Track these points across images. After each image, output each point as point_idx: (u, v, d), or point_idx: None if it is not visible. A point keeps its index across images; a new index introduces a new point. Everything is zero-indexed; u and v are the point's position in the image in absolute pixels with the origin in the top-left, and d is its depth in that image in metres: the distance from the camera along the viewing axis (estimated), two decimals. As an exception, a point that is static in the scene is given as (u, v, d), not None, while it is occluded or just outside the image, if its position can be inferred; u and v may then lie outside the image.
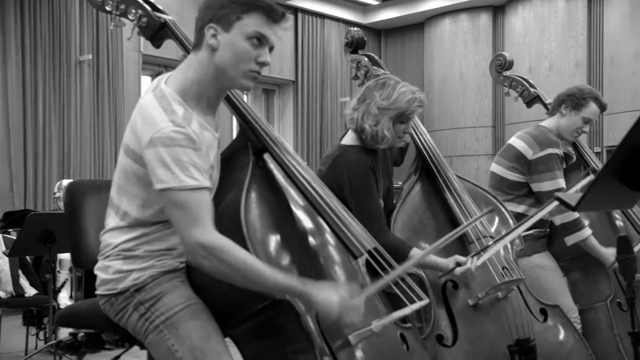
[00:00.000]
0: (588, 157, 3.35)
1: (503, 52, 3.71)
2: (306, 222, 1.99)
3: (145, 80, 8.18)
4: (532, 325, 2.43)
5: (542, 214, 2.58)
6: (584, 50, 8.84)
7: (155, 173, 1.70)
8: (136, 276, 1.84)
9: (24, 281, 5.14)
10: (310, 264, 1.92)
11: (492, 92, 9.76)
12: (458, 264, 2.35)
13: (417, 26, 10.54)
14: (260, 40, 1.79)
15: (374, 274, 2.04)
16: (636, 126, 1.56)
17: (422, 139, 2.77)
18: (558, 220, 2.94)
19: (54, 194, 5.66)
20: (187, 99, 1.79)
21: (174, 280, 1.86)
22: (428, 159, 2.69)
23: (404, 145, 2.89)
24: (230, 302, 1.83)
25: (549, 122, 3.19)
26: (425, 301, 1.85)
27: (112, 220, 1.90)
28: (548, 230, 3.17)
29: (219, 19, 1.78)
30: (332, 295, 1.70)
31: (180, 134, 1.69)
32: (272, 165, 2.01)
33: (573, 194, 2.09)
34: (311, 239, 1.97)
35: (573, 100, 3.15)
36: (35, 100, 7.18)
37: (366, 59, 3.08)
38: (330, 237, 1.98)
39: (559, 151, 3.03)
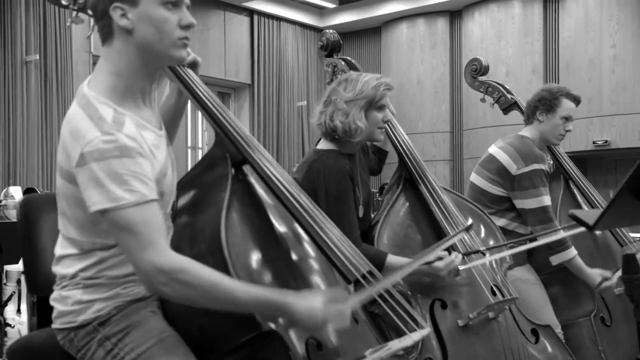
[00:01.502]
0: (566, 164, 3.27)
1: (478, 57, 3.61)
2: (292, 243, 1.81)
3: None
4: (526, 348, 2.31)
5: (552, 239, 2.47)
6: (540, 57, 8.90)
7: (88, 194, 1.47)
8: (99, 307, 1.61)
9: (-34, 295, 4.82)
10: (297, 288, 1.74)
11: (450, 97, 9.74)
12: (439, 259, 2.23)
13: (374, 30, 10.46)
14: (175, 1, 1.57)
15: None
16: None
17: (403, 146, 2.63)
18: (542, 239, 2.84)
19: (0, 201, 5.33)
20: (115, 98, 1.56)
21: (143, 310, 1.64)
22: (412, 169, 2.55)
23: (382, 146, 2.76)
24: (209, 334, 1.63)
25: (530, 132, 3.10)
26: (427, 330, 1.69)
27: (62, 249, 1.66)
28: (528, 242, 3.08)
29: None
30: (314, 301, 1.52)
31: (112, 143, 1.46)
32: (253, 179, 1.83)
33: (588, 212, 1.98)
34: (299, 261, 1.79)
35: (545, 103, 3.07)
36: (-23, 101, 6.78)
37: (343, 62, 2.93)
38: (319, 259, 1.81)
39: (544, 167, 2.93)
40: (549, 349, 2.42)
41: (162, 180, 1.61)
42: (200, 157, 8.75)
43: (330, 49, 2.95)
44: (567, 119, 3.09)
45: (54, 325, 1.66)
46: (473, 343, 2.26)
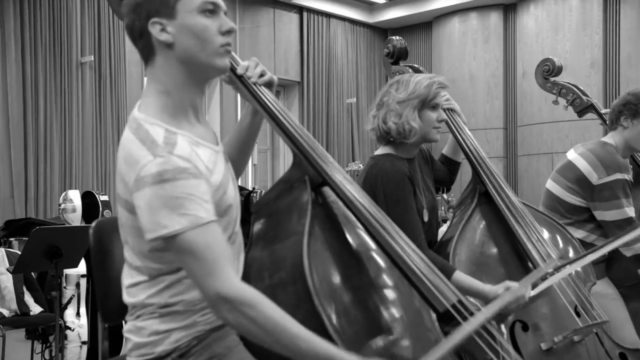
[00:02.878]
0: None
1: (551, 57, 3.44)
2: (376, 270, 1.73)
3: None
4: (615, 375, 2.19)
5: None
6: (600, 50, 8.62)
7: (144, 221, 1.42)
8: (177, 337, 1.54)
9: (28, 298, 4.89)
10: (382, 320, 1.66)
11: (503, 92, 9.54)
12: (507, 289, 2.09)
13: (425, 25, 10.29)
14: (212, 8, 1.52)
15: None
16: None
17: (477, 157, 2.50)
18: (625, 251, 2.69)
19: (59, 205, 5.39)
20: (166, 117, 1.51)
21: (224, 340, 1.57)
22: (488, 183, 2.43)
23: (454, 157, 2.65)
24: None
25: (614, 138, 2.93)
26: None
27: (130, 278, 1.60)
28: (607, 254, 2.93)
29: (157, 10, 1.49)
30: None
31: (164, 165, 1.40)
32: (335, 202, 1.74)
33: None
34: (383, 290, 1.71)
35: (630, 108, 2.89)
36: (36, 102, 6.90)
37: (410, 70, 2.82)
38: (404, 286, 1.72)
39: (627, 176, 2.77)
40: (640, 376, 2.29)
41: (224, 196, 1.55)
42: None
43: (397, 57, 2.84)
44: None
45: (129, 359, 1.60)
46: (557, 368, 2.14)
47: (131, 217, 1.48)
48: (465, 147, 2.54)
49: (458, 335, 1.47)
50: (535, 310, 2.23)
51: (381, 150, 2.38)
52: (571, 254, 2.49)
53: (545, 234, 2.44)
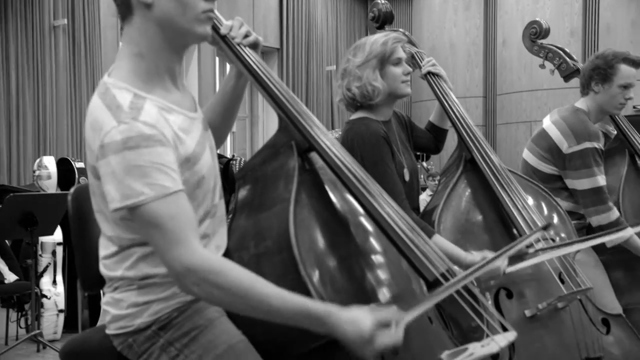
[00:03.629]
0: (632, 137, 3.07)
1: (538, 19, 3.38)
2: (364, 238, 1.69)
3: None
4: (600, 341, 2.19)
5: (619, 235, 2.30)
6: (580, 18, 8.60)
7: (107, 190, 1.37)
8: (157, 309, 1.50)
9: (3, 266, 4.81)
10: (369, 288, 1.63)
11: (483, 60, 9.51)
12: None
13: (406, -8, 10.18)
14: None
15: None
16: None
17: (463, 124, 2.47)
18: (594, 221, 2.68)
19: (34, 172, 5.29)
20: (138, 82, 1.45)
21: (206, 311, 1.52)
22: (475, 150, 2.41)
23: (440, 124, 2.62)
24: (277, 339, 1.52)
25: (586, 103, 2.90)
26: (513, 334, 1.56)
27: (103, 249, 1.55)
28: (588, 221, 2.93)
29: None
30: (360, 314, 1.35)
31: (130, 132, 1.34)
32: (322, 168, 1.70)
33: None
34: (372, 258, 1.68)
35: (600, 73, 2.86)
36: (7, 68, 6.71)
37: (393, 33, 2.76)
38: (392, 254, 1.69)
39: (598, 145, 2.73)
40: (622, 341, 2.30)
41: (196, 165, 1.50)
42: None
43: (382, 21, 2.78)
44: (627, 86, 2.85)
45: (108, 331, 1.55)
46: (541, 335, 2.14)
47: (99, 183, 1.43)
48: (452, 113, 2.51)
49: (432, 300, 1.45)
50: (519, 278, 2.23)
51: (356, 115, 2.35)
52: (555, 220, 2.49)
53: (531, 201, 2.43)
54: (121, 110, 1.38)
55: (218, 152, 8.69)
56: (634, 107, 7.79)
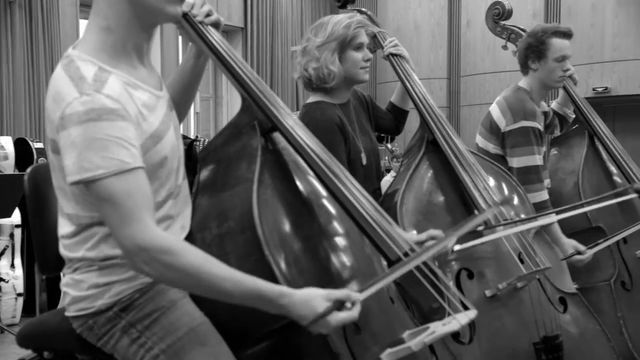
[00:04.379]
0: (592, 119, 3.12)
1: (501, 0, 3.40)
2: (327, 218, 1.69)
3: (85, 25, 7.54)
4: (558, 319, 2.23)
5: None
6: (542, 1, 8.67)
7: (65, 163, 1.34)
8: (118, 290, 1.48)
9: (-42, 250, 4.70)
10: (332, 268, 1.63)
11: (447, 42, 9.52)
12: (432, 238, 2.01)
13: (370, -28, 10.12)
14: None
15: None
16: None
17: (425, 105, 2.47)
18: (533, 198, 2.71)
19: (-11, 152, 5.15)
20: (103, 55, 1.42)
21: (169, 292, 1.51)
22: (436, 131, 2.41)
23: (402, 105, 2.62)
24: (240, 319, 1.52)
25: (527, 82, 2.94)
26: (474, 312, 1.57)
27: (62, 228, 1.52)
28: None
29: None
30: (314, 293, 1.36)
31: (92, 104, 1.32)
32: (285, 148, 1.69)
33: None
34: (335, 238, 1.67)
35: (534, 50, 2.89)
36: (-40, 45, 6.50)
37: (358, 14, 2.74)
38: (355, 234, 1.69)
39: (534, 124, 2.76)
40: (578, 319, 2.35)
41: (158, 143, 1.47)
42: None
43: (344, 0, 2.76)
44: (562, 59, 2.88)
45: (67, 313, 1.53)
46: (501, 314, 2.17)
47: (59, 158, 1.39)
48: (414, 94, 2.51)
49: (389, 277, 1.45)
50: (480, 258, 2.25)
51: (312, 98, 2.36)
52: (516, 201, 2.52)
53: (492, 182, 2.46)
54: (84, 81, 1.36)
55: (182, 132, 8.53)
56: (593, 90, 7.91)
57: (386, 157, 7.75)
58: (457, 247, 2.04)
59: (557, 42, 2.86)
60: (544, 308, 2.22)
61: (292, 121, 1.67)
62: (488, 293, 2.18)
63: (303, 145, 1.64)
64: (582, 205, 2.46)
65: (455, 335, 2.11)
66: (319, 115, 2.26)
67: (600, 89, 7.87)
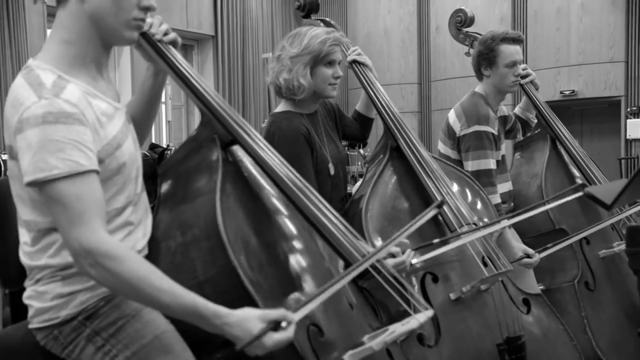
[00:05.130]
0: (553, 123, 3.18)
1: (463, 8, 3.47)
2: (288, 227, 1.72)
3: (52, 35, 7.48)
4: (520, 320, 2.28)
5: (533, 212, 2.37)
6: (509, 5, 8.81)
7: (22, 164, 1.37)
8: (83, 299, 1.49)
9: None
10: (293, 273, 1.66)
11: (417, 47, 9.62)
12: (392, 256, 1.98)
13: (340, -21, 10.19)
14: None
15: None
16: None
17: (389, 112, 2.52)
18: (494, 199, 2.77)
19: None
20: (63, 66, 1.47)
21: (144, 305, 1.53)
22: (400, 137, 2.45)
23: (366, 113, 2.66)
24: (196, 330, 1.54)
25: (483, 87, 3.02)
26: (431, 312, 1.62)
27: (21, 236, 1.54)
28: (513, 205, 3.03)
29: None
30: (249, 314, 1.38)
31: (50, 108, 1.36)
32: (244, 160, 1.72)
33: (606, 188, 1.90)
34: (297, 246, 1.70)
35: (485, 58, 2.97)
36: None
37: (321, 24, 2.79)
38: (316, 241, 1.73)
39: (487, 128, 2.82)
40: (541, 319, 2.39)
41: (117, 150, 1.51)
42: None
43: (307, 9, 2.79)
44: (513, 65, 2.94)
45: (31, 326, 1.53)
46: (465, 317, 2.21)
47: (17, 164, 1.42)
48: (377, 102, 2.54)
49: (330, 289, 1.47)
50: (445, 263, 2.29)
51: (280, 107, 2.39)
52: (479, 206, 2.56)
53: (455, 187, 2.50)
54: (43, 87, 1.39)
55: (154, 141, 8.49)
56: (561, 93, 8.04)
57: (359, 163, 7.80)
58: (414, 261, 2.08)
59: (506, 49, 2.93)
60: (507, 309, 2.27)
61: (251, 133, 1.70)
62: (452, 296, 2.22)
63: (262, 155, 1.68)
64: (533, 208, 2.49)
65: (420, 339, 2.15)
66: (286, 125, 2.29)
67: (567, 92, 8.00)
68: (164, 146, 6.23)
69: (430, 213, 1.66)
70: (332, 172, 2.35)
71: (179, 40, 1.76)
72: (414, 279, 2.22)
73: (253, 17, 9.59)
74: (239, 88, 9.38)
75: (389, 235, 2.19)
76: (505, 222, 2.26)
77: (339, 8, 10.31)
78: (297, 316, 1.41)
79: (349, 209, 2.40)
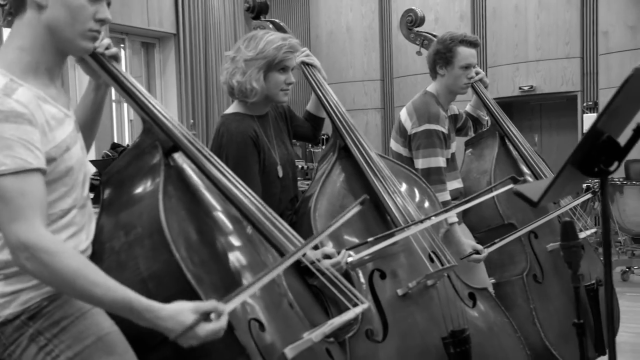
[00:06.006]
0: (502, 120, 3.25)
1: (414, 8, 3.53)
2: (228, 226, 1.77)
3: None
4: (465, 314, 2.34)
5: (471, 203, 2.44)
6: (468, 3, 8.92)
7: None
8: (26, 298, 1.51)
9: None
10: (234, 270, 1.71)
11: (380, 44, 9.70)
12: (327, 257, 2.04)
13: (303, -23, 10.21)
14: None
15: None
16: (602, 114, 1.48)
17: (337, 112, 2.56)
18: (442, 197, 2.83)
19: None
20: (16, 71, 1.51)
21: (78, 301, 1.54)
22: (347, 137, 2.49)
23: (316, 113, 2.70)
24: (135, 329, 1.56)
25: (435, 87, 3.07)
26: (366, 305, 1.71)
27: None
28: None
29: None
30: (181, 307, 1.42)
31: (0, 107, 1.40)
32: (186, 165, 1.77)
33: (533, 186, 1.96)
34: (237, 243, 1.75)
35: (442, 57, 3.03)
36: None
37: (270, 25, 2.81)
38: (255, 237, 1.78)
39: (437, 127, 2.89)
40: (487, 313, 2.45)
41: (66, 153, 1.54)
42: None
43: (257, 11, 2.82)
44: (468, 66, 3.02)
45: None
46: (413, 312, 2.26)
47: None
48: (325, 102, 2.58)
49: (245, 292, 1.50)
50: (392, 259, 2.34)
51: (231, 108, 2.42)
52: (427, 204, 2.62)
53: (403, 187, 2.55)
54: None
55: (116, 141, 8.40)
56: (520, 88, 8.19)
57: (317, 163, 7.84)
58: (350, 259, 2.13)
59: (463, 51, 2.99)
60: (452, 304, 2.32)
61: (190, 138, 1.76)
62: (400, 292, 2.27)
63: (203, 161, 1.73)
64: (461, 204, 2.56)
65: (368, 334, 2.19)
66: (235, 127, 2.32)
67: (526, 88, 8.15)
68: (126, 145, 6.21)
69: (353, 210, 1.73)
70: (280, 174, 2.38)
71: (120, 55, 1.81)
72: (361, 276, 2.26)
73: (215, 14, 9.56)
74: (202, 86, 9.35)
75: (337, 235, 2.25)
76: (428, 222, 2.31)
77: (301, 6, 10.33)
78: (229, 307, 1.45)
79: (300, 207, 2.43)
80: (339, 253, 2.10)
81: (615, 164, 1.64)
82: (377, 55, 9.69)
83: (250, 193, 1.76)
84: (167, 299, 1.43)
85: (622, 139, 1.58)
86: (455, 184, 3.09)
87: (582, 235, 3.00)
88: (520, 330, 2.57)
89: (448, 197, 2.87)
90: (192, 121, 8.64)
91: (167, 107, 9.05)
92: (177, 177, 1.73)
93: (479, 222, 3.06)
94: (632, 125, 1.59)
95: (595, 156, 1.59)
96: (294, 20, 10.42)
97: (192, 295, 1.48)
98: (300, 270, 1.95)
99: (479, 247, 2.76)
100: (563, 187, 1.62)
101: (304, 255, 1.78)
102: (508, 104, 8.02)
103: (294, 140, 2.69)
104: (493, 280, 3.03)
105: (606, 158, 1.64)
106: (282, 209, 2.34)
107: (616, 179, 5.93)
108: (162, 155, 1.69)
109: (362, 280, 2.26)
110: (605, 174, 1.60)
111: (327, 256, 2.02)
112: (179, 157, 1.76)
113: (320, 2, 9.91)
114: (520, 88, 8.22)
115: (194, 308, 1.41)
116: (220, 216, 1.78)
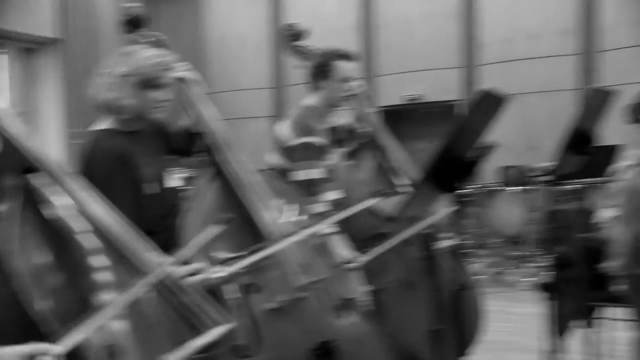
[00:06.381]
0: (380, 134, 3.38)
1: (294, 22, 3.59)
2: (85, 249, 1.74)
3: None
4: (335, 324, 2.41)
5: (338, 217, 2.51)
6: (358, 14, 9.17)
7: None
8: None
9: None
10: (91, 296, 1.68)
11: (272, 52, 9.77)
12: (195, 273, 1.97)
13: (194, -18, 10.13)
14: None
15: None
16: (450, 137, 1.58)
17: (210, 130, 2.57)
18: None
19: None
20: None
21: None
22: (219, 154, 2.51)
23: (163, 121, 2.69)
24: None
25: (315, 99, 3.16)
26: (228, 325, 1.72)
27: None
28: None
29: None
30: (6, 352, 1.36)
31: None
32: (40, 186, 1.72)
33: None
34: (95, 267, 1.73)
35: (319, 70, 3.13)
36: None
37: (150, 39, 2.78)
38: (114, 257, 1.78)
39: (315, 139, 2.98)
40: (356, 323, 2.54)
41: None
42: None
43: (134, 25, 2.77)
44: (345, 80, 3.12)
45: None
46: (284, 325, 2.31)
47: None
48: (198, 119, 2.58)
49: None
50: (266, 273, 2.38)
51: (102, 124, 2.36)
52: (301, 216, 2.68)
53: (278, 200, 2.59)
54: None
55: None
56: (405, 97, 8.49)
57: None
58: (221, 274, 2.14)
59: (341, 65, 3.09)
60: (322, 315, 2.39)
61: (49, 157, 1.71)
62: (271, 305, 2.32)
63: (61, 176, 1.69)
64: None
65: (238, 349, 2.22)
66: (104, 144, 2.28)
67: (411, 97, 8.46)
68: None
69: (215, 229, 1.75)
70: (156, 190, 2.36)
71: None
72: (233, 290, 2.28)
73: (100, 17, 9.31)
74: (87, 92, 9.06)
75: (207, 251, 2.26)
76: (302, 233, 2.37)
77: (191, 10, 10.23)
78: (65, 345, 1.40)
79: (171, 224, 2.43)
80: (211, 268, 2.11)
81: (469, 180, 1.77)
82: (270, 62, 9.76)
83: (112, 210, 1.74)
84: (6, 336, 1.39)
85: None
86: (333, 195, 3.17)
87: (445, 244, 3.16)
88: (391, 337, 2.67)
89: (326, 208, 2.95)
90: (75, 130, 8.36)
91: (50, 116, 8.72)
92: (33, 200, 1.68)
93: (356, 232, 3.15)
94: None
95: (446, 174, 1.71)
96: (184, 26, 10.30)
97: (33, 331, 1.45)
98: (165, 289, 1.94)
99: (352, 257, 2.85)
100: (423, 203, 1.71)
101: (168, 272, 1.79)
102: (395, 113, 8.31)
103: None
104: (369, 289, 3.13)
105: (457, 175, 1.75)
106: (151, 226, 2.32)
107: (492, 185, 6.27)
108: (17, 177, 1.64)
109: (234, 295, 2.29)
110: (457, 189, 1.71)
111: (197, 272, 2.02)
112: (35, 177, 1.71)
113: (212, 7, 9.87)
114: (405, 97, 8.53)
115: (16, 353, 1.34)
116: (77, 236, 1.75)
